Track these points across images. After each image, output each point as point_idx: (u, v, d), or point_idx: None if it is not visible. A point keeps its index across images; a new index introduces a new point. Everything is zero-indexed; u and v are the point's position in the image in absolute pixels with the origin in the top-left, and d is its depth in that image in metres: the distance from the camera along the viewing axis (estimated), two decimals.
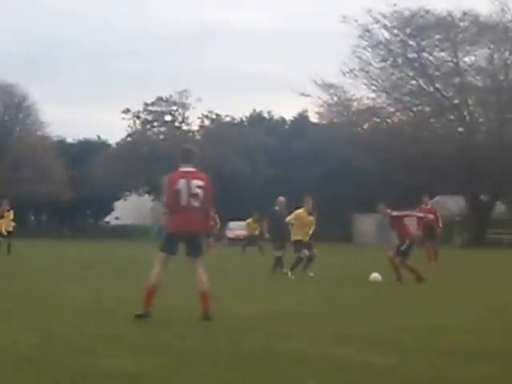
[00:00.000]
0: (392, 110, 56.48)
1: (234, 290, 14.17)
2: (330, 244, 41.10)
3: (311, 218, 19.63)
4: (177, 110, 70.32)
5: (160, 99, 69.55)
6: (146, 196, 74.32)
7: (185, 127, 71.14)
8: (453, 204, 51.62)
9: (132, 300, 10.98)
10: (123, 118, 70.22)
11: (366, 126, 58.23)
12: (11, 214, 30.19)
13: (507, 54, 51.59)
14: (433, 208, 25.27)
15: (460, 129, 54.40)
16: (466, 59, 53.06)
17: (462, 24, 51.60)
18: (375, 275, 17.38)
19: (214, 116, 70.87)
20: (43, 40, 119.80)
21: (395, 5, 51.09)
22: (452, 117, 54.91)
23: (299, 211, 19.65)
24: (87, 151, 70.91)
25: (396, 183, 56.22)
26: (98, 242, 49.61)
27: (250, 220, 35.39)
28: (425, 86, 53.91)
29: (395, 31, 52.91)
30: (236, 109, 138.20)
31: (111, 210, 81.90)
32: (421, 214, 19.33)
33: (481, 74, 53.05)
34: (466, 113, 53.69)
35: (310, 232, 19.65)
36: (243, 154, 64.61)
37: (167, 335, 8.57)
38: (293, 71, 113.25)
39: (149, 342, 8.02)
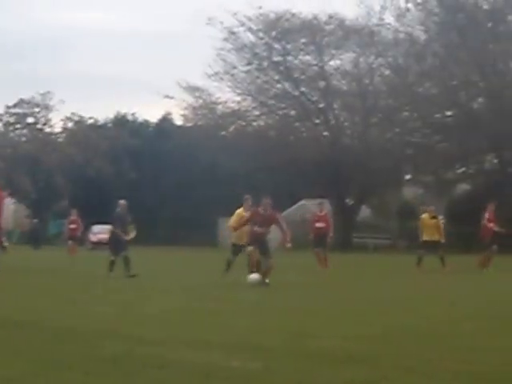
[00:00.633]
0: (257, 113, 56.41)
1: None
2: (196, 248, 40.25)
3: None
4: (39, 112, 68.31)
5: (22, 101, 67.40)
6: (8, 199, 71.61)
7: (48, 129, 69.25)
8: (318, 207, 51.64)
9: None
10: None
11: (231, 129, 57.82)
12: None
13: (372, 57, 52.22)
14: (326, 215, 26.24)
15: (325, 133, 54.74)
16: (332, 63, 53.62)
17: (327, 27, 51.94)
18: (253, 276, 16.76)
19: (76, 118, 69.26)
20: None
21: (261, 7, 51.03)
22: (317, 121, 55.24)
23: (239, 210, 19.01)
24: None
25: (261, 188, 55.89)
26: None
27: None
28: (290, 90, 54.01)
29: (260, 34, 52.79)
30: (100, 111, 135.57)
31: None
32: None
33: (346, 77, 53.60)
34: (331, 117, 54.12)
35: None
36: (107, 157, 63.16)
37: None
38: (157, 74, 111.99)
39: None
